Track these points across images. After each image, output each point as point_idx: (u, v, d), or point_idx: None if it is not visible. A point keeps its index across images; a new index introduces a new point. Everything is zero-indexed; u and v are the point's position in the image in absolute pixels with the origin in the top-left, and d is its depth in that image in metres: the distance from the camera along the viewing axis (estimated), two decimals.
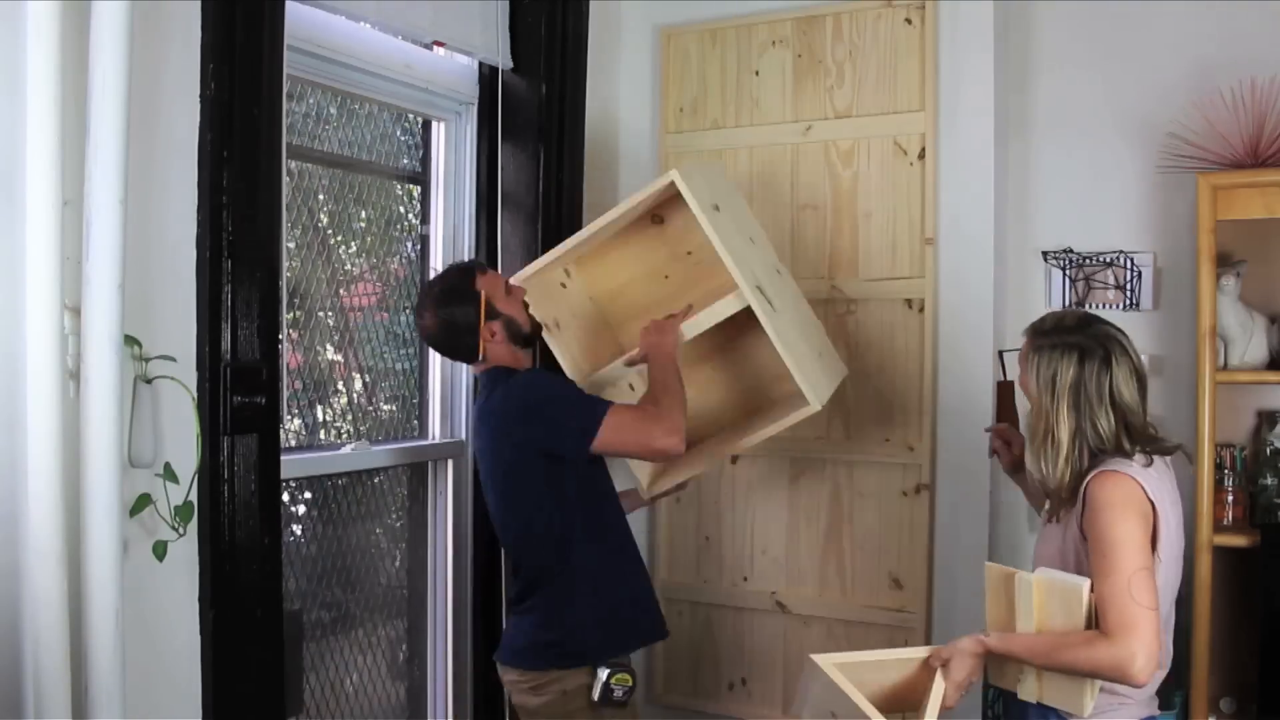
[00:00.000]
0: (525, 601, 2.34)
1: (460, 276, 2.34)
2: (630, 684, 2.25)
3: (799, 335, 2.43)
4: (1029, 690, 1.86)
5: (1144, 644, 1.71)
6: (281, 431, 2.12)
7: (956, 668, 1.86)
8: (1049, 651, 1.80)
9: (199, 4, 1.92)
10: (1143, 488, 1.81)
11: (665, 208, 2.53)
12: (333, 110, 2.57)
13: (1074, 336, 1.90)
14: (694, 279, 2.55)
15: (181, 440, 1.88)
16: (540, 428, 2.24)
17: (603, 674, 2.24)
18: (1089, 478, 1.84)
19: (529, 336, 2.38)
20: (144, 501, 1.80)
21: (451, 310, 2.30)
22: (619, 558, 2.36)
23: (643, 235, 2.59)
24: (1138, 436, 1.87)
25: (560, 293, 2.61)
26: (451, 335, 2.32)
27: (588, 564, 2.29)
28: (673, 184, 2.28)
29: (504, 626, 2.55)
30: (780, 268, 2.64)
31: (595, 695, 2.23)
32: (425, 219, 2.82)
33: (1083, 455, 1.87)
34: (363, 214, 2.68)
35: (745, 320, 2.32)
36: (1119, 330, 1.93)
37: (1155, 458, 1.87)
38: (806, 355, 2.40)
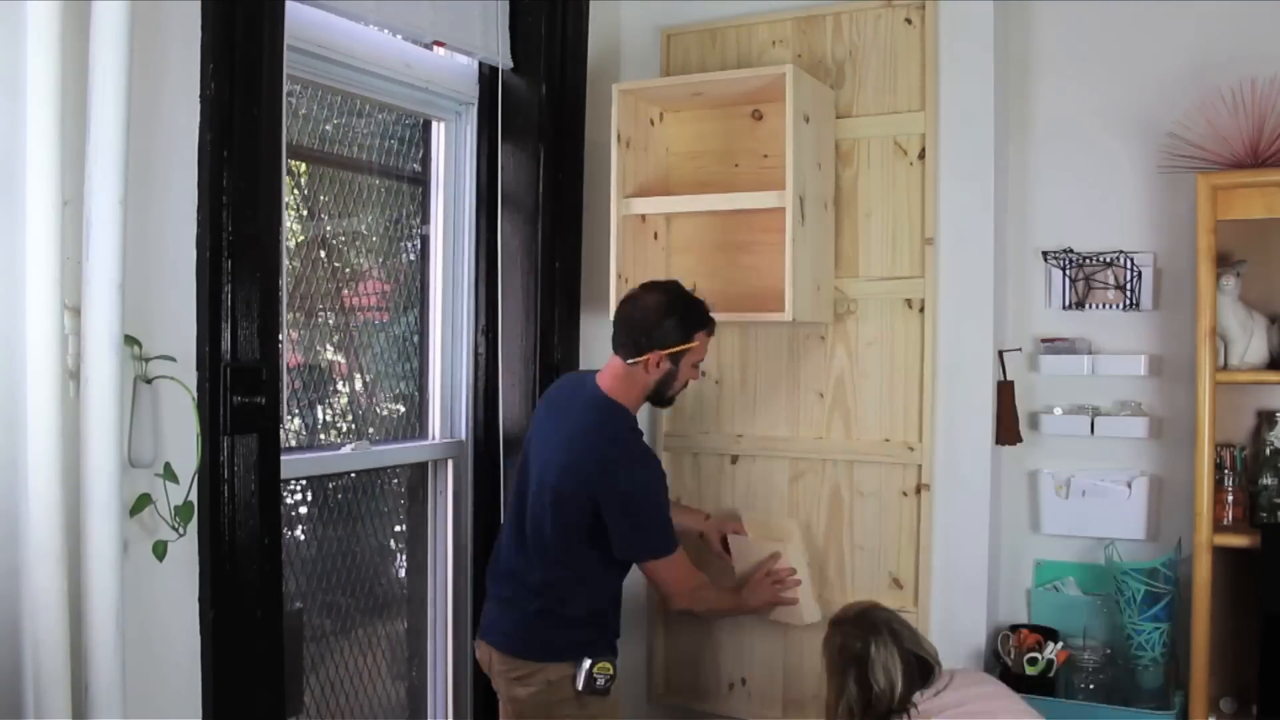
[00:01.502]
0: (538, 594, 2.39)
1: (699, 317, 2.40)
2: (611, 673, 2.35)
3: (809, 265, 2.64)
4: None
5: None
6: (281, 431, 2.12)
7: None
8: None
9: (199, 4, 1.92)
10: None
11: (767, 105, 2.82)
12: (331, 110, 2.57)
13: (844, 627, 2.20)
14: (758, 180, 2.81)
15: (181, 440, 1.88)
16: (616, 517, 2.31)
17: (585, 664, 2.33)
18: None
19: (663, 398, 2.46)
20: (144, 501, 1.80)
21: (672, 320, 2.35)
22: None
23: (737, 120, 2.90)
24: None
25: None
26: (646, 327, 2.35)
27: (601, 581, 2.43)
28: (784, 76, 2.54)
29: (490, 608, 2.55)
30: (828, 203, 2.78)
31: (579, 685, 2.32)
32: (425, 219, 2.82)
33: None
34: (363, 214, 2.68)
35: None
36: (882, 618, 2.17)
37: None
38: (806, 280, 2.62)
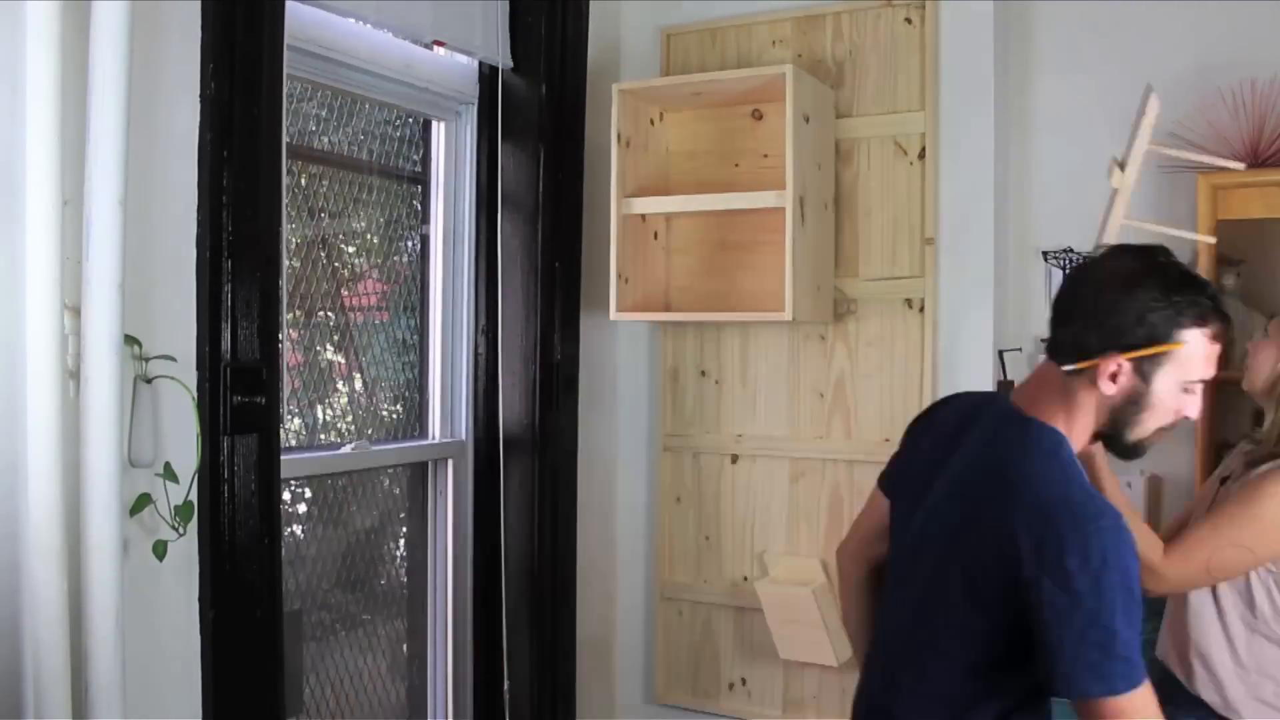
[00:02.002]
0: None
1: (1193, 300, 1.47)
2: None
3: (809, 265, 2.65)
4: None
5: None
6: (281, 431, 2.12)
7: None
8: None
9: (199, 4, 1.92)
10: None
11: (767, 105, 2.83)
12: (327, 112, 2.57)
13: None
14: (758, 180, 2.82)
15: (181, 440, 1.88)
16: (1023, 593, 1.40)
17: None
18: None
19: (1124, 443, 1.56)
20: (144, 501, 1.80)
21: (1148, 297, 1.46)
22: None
23: (737, 120, 2.90)
24: None
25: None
26: (1099, 313, 1.48)
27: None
28: (784, 76, 2.56)
29: None
30: (828, 203, 2.78)
31: None
32: (425, 219, 2.82)
33: None
34: (362, 214, 2.68)
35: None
36: None
37: None
38: (806, 280, 2.63)
